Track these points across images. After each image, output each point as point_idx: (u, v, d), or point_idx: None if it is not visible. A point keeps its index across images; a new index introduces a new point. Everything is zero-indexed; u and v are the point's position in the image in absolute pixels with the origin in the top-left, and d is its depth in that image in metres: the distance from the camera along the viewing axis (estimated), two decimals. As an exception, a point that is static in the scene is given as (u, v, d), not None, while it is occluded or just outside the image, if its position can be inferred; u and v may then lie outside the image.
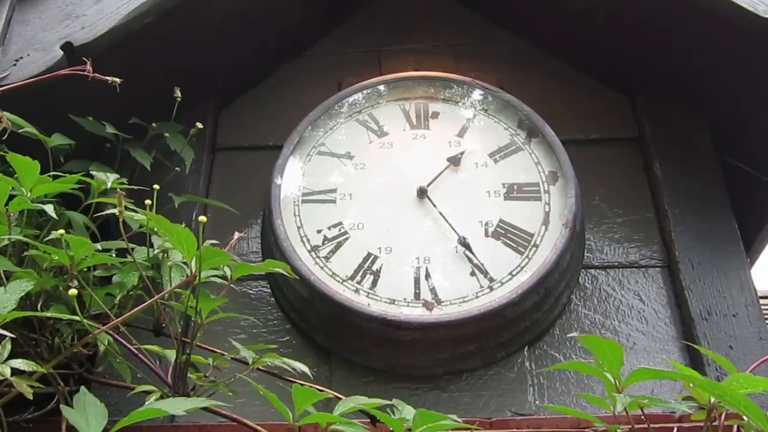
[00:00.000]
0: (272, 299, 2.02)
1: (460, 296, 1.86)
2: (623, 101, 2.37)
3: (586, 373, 1.59)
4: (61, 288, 1.42)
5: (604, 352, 1.06)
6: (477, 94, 2.25)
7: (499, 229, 1.96)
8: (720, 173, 2.21)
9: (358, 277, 1.89)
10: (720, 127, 2.27)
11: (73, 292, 1.20)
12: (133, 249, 1.46)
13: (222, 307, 1.95)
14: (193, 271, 1.27)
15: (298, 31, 2.49)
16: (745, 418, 1.07)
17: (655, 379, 1.50)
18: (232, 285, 1.41)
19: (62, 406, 1.14)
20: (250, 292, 2.04)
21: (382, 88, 2.27)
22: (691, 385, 1.10)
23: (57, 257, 1.37)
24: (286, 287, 1.94)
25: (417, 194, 2.03)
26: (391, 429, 1.20)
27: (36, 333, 1.43)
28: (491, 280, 1.88)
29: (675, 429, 1.25)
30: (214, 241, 1.30)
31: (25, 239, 1.41)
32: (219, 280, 1.40)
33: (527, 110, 2.17)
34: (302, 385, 1.18)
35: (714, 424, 1.19)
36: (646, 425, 1.24)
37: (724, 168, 2.23)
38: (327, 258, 1.93)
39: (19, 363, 1.17)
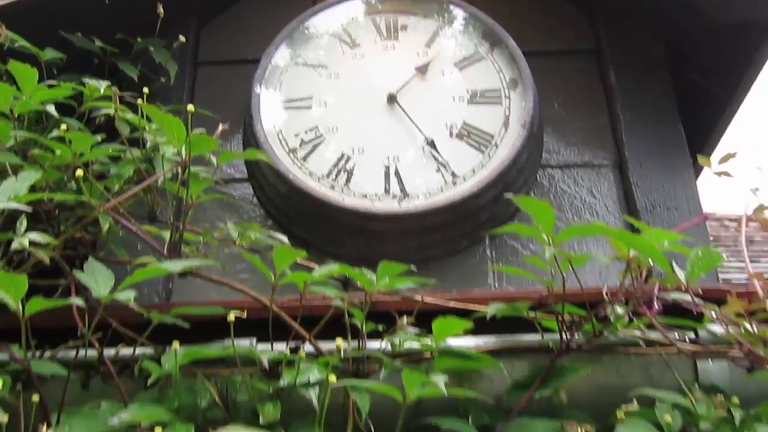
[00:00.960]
0: (254, 199, 2.19)
1: (427, 190, 2.02)
2: (583, 15, 2.50)
3: (525, 235, 1.78)
4: (65, 178, 1.57)
5: (537, 212, 1.24)
6: (444, 8, 2.34)
7: (462, 131, 2.11)
8: (670, 83, 2.37)
9: (333, 175, 2.05)
10: (675, 41, 2.42)
11: (79, 172, 1.36)
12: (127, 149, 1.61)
13: (208, 207, 2.12)
14: (183, 157, 1.42)
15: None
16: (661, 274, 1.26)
17: (582, 235, 1.70)
18: (217, 187, 1.56)
19: (74, 271, 1.32)
20: (235, 193, 2.20)
21: (354, 2, 2.37)
22: (612, 240, 1.28)
23: (60, 152, 1.52)
24: (267, 186, 2.09)
25: (387, 100, 2.15)
26: (360, 286, 1.39)
27: (43, 224, 1.59)
28: (455, 176, 2.04)
29: (605, 289, 1.42)
30: (201, 129, 1.45)
31: (31, 134, 1.55)
32: (206, 174, 1.56)
33: (491, 23, 2.27)
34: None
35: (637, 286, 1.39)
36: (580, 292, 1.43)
37: (677, 81, 2.38)
38: (304, 159, 2.07)
39: (35, 236, 1.34)
